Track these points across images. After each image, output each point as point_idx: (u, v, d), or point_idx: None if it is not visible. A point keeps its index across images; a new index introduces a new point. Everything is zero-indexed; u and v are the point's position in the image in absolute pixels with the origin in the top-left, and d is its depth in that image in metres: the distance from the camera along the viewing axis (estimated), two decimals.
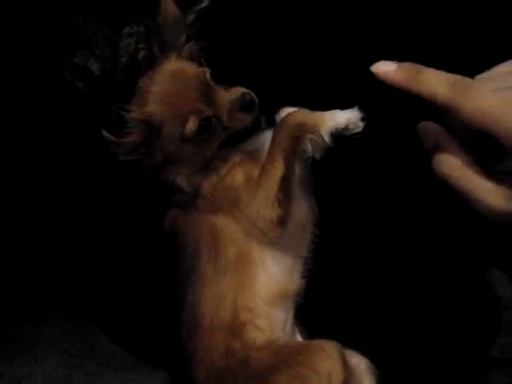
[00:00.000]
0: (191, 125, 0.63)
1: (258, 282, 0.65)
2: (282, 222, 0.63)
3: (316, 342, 0.61)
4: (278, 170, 0.61)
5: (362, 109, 0.58)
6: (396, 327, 0.72)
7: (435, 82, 0.50)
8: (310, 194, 0.68)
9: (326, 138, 0.58)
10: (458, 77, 0.50)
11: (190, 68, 0.67)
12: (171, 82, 0.65)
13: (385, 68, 0.52)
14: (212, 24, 0.71)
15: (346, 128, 0.58)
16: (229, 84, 0.67)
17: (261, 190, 0.62)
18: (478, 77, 0.52)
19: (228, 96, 0.65)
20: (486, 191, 0.49)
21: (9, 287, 0.81)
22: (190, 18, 0.71)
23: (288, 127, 0.61)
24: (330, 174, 0.68)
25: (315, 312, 0.68)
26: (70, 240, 0.81)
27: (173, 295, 0.68)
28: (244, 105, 0.64)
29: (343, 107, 0.59)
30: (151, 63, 0.67)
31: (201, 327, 0.64)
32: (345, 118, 0.58)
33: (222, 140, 0.66)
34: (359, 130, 0.59)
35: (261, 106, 0.66)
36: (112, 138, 0.62)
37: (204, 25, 0.71)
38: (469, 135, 0.52)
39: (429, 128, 0.55)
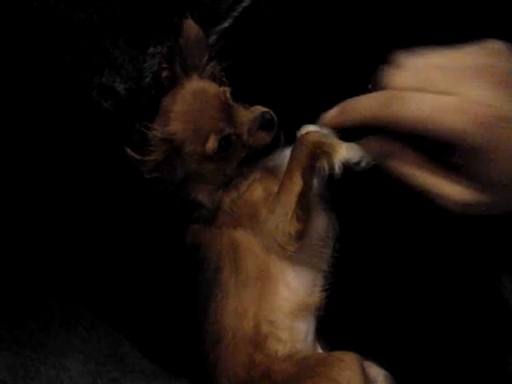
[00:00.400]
0: (212, 143, 0.65)
1: (279, 295, 0.66)
2: (300, 236, 0.64)
3: (336, 354, 0.62)
4: (295, 185, 0.62)
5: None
6: (415, 339, 0.73)
7: (361, 107, 0.51)
8: (329, 208, 0.69)
9: (337, 166, 0.59)
10: (383, 93, 0.50)
11: (211, 87, 0.68)
12: (192, 101, 0.67)
13: (329, 117, 0.55)
14: (233, 44, 0.73)
15: (357, 163, 0.59)
16: (249, 103, 0.69)
17: (279, 205, 0.63)
18: (405, 58, 0.50)
19: (248, 115, 0.67)
20: (445, 185, 0.49)
21: (37, 294, 0.83)
22: (212, 38, 0.73)
23: (306, 144, 0.62)
24: (349, 189, 0.69)
25: (336, 325, 0.69)
26: (98, 249, 0.82)
27: (196, 307, 0.69)
28: (263, 124, 0.66)
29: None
30: (174, 83, 0.69)
31: (223, 339, 0.65)
32: (360, 154, 0.59)
33: (243, 157, 0.68)
34: (367, 167, 0.59)
35: (280, 124, 0.68)
36: (135, 156, 0.64)
37: (226, 45, 0.72)
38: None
39: (372, 143, 0.55)
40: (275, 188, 0.66)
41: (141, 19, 0.72)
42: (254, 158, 0.68)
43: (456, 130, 0.45)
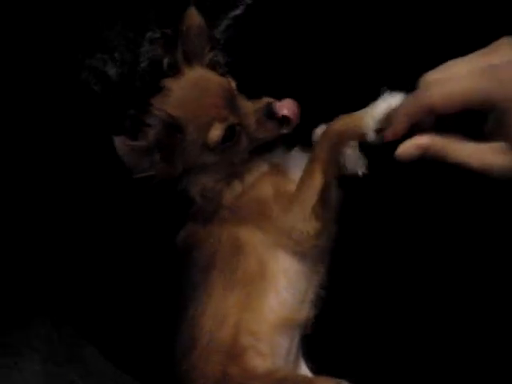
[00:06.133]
0: (215, 132, 0.61)
1: (267, 305, 0.61)
2: (318, 234, 0.61)
3: (320, 380, 0.57)
4: (316, 182, 0.59)
5: None
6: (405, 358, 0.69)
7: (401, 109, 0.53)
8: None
9: (370, 132, 0.54)
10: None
11: (215, 76, 0.65)
12: (195, 88, 0.63)
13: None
14: (243, 33, 0.69)
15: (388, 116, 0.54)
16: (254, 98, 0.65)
17: (297, 204, 0.60)
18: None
19: (254, 105, 0.63)
20: (486, 154, 0.50)
21: None
22: (223, 24, 0.70)
23: (328, 136, 0.59)
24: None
25: (320, 344, 0.65)
26: (66, 250, 0.78)
27: (173, 309, 0.64)
28: (271, 113, 0.62)
29: None
30: (174, 70, 0.65)
31: (198, 345, 0.60)
32: (383, 106, 0.54)
33: (247, 151, 0.64)
34: None
35: None
36: (126, 143, 0.57)
37: (235, 34, 0.69)
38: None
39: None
40: (284, 185, 0.63)
41: (141, 2, 0.68)
42: (259, 152, 0.64)
43: (481, 92, 0.48)
